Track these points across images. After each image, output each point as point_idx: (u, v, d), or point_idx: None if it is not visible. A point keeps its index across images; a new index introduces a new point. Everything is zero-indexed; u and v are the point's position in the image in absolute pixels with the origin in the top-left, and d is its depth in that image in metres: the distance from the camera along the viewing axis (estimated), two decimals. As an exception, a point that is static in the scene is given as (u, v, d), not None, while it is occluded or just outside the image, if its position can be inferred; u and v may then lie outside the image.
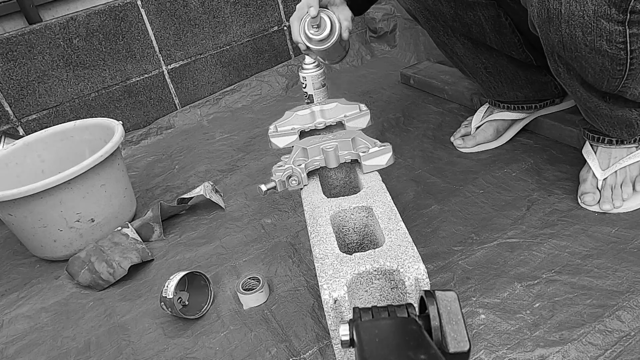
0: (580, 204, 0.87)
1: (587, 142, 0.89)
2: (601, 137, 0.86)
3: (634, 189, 0.84)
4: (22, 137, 1.20)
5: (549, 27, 0.70)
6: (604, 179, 0.85)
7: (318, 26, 0.90)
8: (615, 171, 0.85)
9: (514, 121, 1.09)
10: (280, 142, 0.87)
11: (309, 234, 0.67)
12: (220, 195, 1.13)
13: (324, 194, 0.76)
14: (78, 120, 1.19)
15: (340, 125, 0.89)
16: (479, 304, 0.73)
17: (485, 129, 1.08)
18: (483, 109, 1.12)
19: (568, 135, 1.02)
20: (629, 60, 0.68)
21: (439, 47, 1.07)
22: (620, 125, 0.81)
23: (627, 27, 0.65)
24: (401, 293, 0.60)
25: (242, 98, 1.65)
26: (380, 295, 0.61)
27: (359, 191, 0.75)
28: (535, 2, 0.69)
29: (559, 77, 0.80)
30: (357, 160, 0.78)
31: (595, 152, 0.87)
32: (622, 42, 0.67)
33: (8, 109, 1.36)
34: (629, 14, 0.64)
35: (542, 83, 1.02)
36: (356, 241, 0.74)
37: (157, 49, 1.53)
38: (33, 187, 0.91)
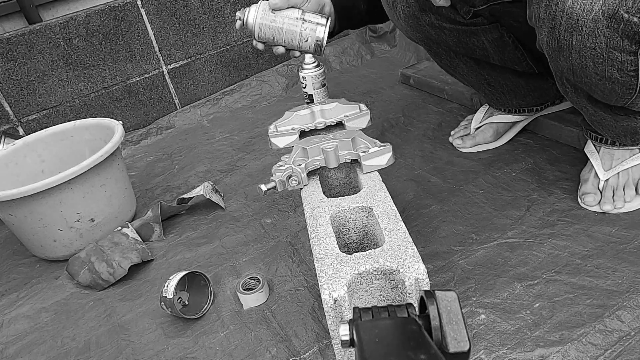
0: (581, 204, 0.86)
1: (590, 141, 0.89)
2: (604, 138, 0.85)
3: (636, 191, 0.84)
4: (22, 137, 1.20)
5: (559, 55, 0.70)
6: (605, 180, 0.85)
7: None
8: (618, 173, 0.85)
9: (514, 123, 1.09)
10: (280, 142, 0.87)
11: (309, 234, 0.67)
12: (220, 195, 1.13)
13: (324, 194, 0.76)
14: (78, 120, 1.19)
15: (340, 125, 0.89)
16: (479, 304, 0.73)
17: (484, 131, 1.08)
18: (483, 109, 1.12)
19: (568, 135, 1.02)
20: (639, 85, 0.68)
21: (442, 68, 1.07)
22: (624, 133, 0.81)
23: (639, 56, 0.65)
24: (401, 293, 0.60)
25: (242, 98, 1.65)
26: (380, 295, 0.61)
27: (359, 191, 0.75)
28: (546, 31, 0.68)
29: (566, 95, 0.80)
30: (357, 160, 0.78)
31: (598, 152, 0.87)
32: (634, 70, 0.66)
33: (8, 109, 1.36)
34: None
35: (544, 89, 1.01)
36: (356, 241, 0.74)
37: (157, 49, 1.53)
38: (33, 187, 0.91)
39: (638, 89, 0.69)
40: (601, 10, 0.62)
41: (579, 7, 0.63)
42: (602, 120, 0.80)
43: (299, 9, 0.91)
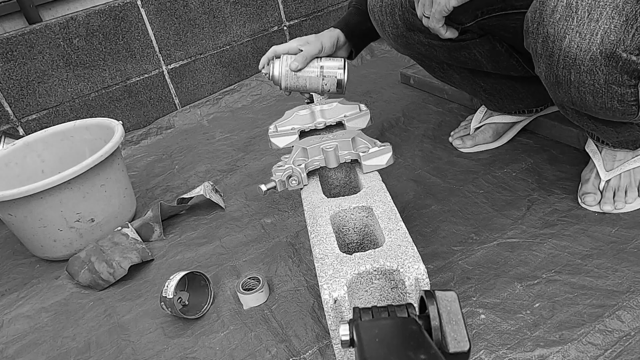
0: (581, 204, 0.86)
1: (591, 140, 0.89)
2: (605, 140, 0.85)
3: (639, 193, 0.84)
4: (22, 137, 1.20)
5: (558, 89, 0.69)
6: (607, 181, 0.85)
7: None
8: (620, 174, 0.85)
9: (514, 123, 1.09)
10: (280, 142, 0.87)
11: (309, 234, 0.67)
12: (220, 195, 1.13)
13: (324, 194, 0.76)
14: (78, 120, 1.19)
15: (340, 125, 0.90)
16: (479, 304, 0.73)
17: (484, 131, 1.08)
18: (482, 109, 1.12)
19: (568, 135, 1.02)
20: (639, 110, 0.69)
21: (436, 78, 1.07)
22: (626, 141, 0.81)
23: (639, 88, 0.64)
24: (401, 293, 0.60)
25: (242, 98, 1.65)
26: (380, 295, 0.61)
27: (359, 191, 0.75)
28: (543, 66, 0.68)
29: (567, 116, 0.80)
30: (357, 160, 0.78)
31: (600, 152, 0.87)
32: (634, 100, 0.66)
33: (8, 109, 1.36)
34: None
35: (542, 91, 1.01)
36: (356, 241, 0.74)
37: (157, 48, 1.53)
38: (33, 187, 0.91)
39: (639, 114, 0.69)
40: (599, 50, 0.61)
41: (576, 46, 0.62)
42: (604, 133, 0.80)
43: (318, 58, 0.95)
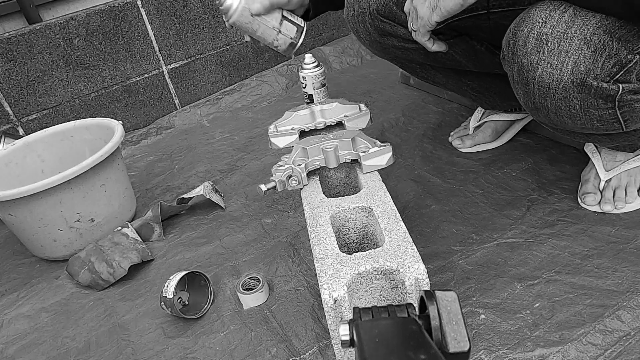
0: (581, 204, 0.86)
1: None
2: None
3: (639, 193, 0.84)
4: (22, 137, 1.20)
5: (537, 114, 0.71)
6: (606, 180, 0.85)
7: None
8: (620, 173, 0.85)
9: (513, 122, 1.09)
10: (280, 142, 0.87)
11: (309, 234, 0.67)
12: (220, 195, 1.13)
13: (324, 194, 0.76)
14: (78, 120, 1.19)
15: (340, 125, 0.90)
16: (479, 304, 0.73)
17: (484, 130, 1.08)
18: (481, 109, 1.12)
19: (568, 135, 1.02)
20: (623, 125, 0.69)
21: (420, 79, 1.07)
22: (622, 146, 0.81)
23: (617, 109, 0.65)
24: (401, 293, 0.60)
25: (242, 98, 1.65)
26: (380, 295, 0.61)
27: (359, 191, 0.75)
28: (521, 93, 0.69)
29: (557, 133, 0.80)
30: (357, 160, 0.78)
31: (599, 152, 0.87)
32: (614, 119, 0.67)
33: (8, 109, 1.36)
34: (616, 102, 0.64)
35: None
36: (356, 241, 0.74)
37: (157, 48, 1.53)
38: (33, 187, 0.91)
39: (624, 128, 0.70)
40: (570, 80, 0.62)
41: (548, 76, 0.64)
42: (597, 141, 0.81)
43: (280, 10, 0.88)
